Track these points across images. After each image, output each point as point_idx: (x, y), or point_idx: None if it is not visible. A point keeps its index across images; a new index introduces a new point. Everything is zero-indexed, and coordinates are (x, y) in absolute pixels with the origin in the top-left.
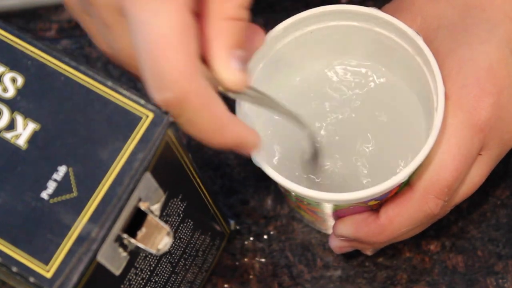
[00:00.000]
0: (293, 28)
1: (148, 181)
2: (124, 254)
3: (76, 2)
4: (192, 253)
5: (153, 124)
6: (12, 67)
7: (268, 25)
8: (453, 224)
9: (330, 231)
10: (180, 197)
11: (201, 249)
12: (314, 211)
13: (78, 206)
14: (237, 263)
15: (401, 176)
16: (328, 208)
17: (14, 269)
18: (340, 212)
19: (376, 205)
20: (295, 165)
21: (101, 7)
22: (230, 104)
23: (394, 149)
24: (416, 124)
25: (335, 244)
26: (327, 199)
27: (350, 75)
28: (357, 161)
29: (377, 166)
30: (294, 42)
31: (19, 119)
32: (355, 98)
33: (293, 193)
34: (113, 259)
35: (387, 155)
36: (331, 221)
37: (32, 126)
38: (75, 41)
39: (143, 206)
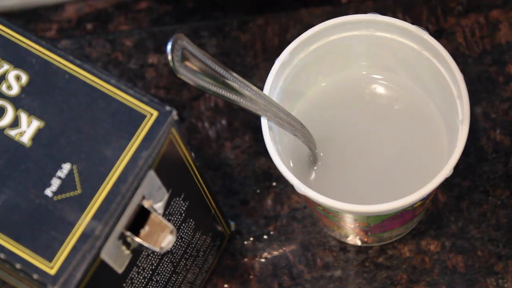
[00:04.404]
0: (298, 50)
1: (152, 179)
2: (127, 252)
3: None
4: (193, 253)
5: (157, 122)
6: (17, 64)
7: (268, 25)
8: (453, 224)
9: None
10: (182, 196)
11: (201, 250)
12: (358, 226)
13: (82, 203)
14: (237, 263)
15: (448, 167)
16: (373, 220)
17: (18, 266)
18: (386, 222)
19: (419, 206)
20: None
21: None
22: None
23: (413, 152)
24: (433, 120)
25: None
26: (381, 210)
27: (356, 85)
28: (381, 169)
29: (400, 172)
30: (299, 64)
31: (23, 117)
32: (364, 106)
33: (347, 215)
34: (116, 257)
35: (408, 160)
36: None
37: (36, 124)
38: (75, 41)
39: (146, 204)
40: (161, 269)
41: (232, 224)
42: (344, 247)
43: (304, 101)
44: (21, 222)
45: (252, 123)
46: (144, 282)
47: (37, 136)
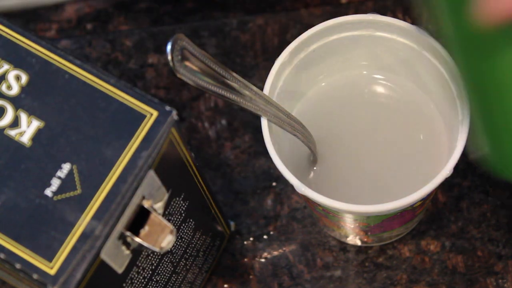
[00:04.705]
0: (298, 50)
1: (152, 179)
2: (127, 252)
3: None
4: (193, 253)
5: (157, 122)
6: (17, 64)
7: (268, 25)
8: (453, 224)
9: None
10: (182, 196)
11: (201, 250)
12: (357, 226)
13: (82, 203)
14: (237, 263)
15: (448, 167)
16: (373, 221)
17: (18, 266)
18: (386, 222)
19: (419, 206)
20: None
21: None
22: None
23: (412, 152)
24: (433, 120)
25: None
26: (381, 210)
27: (356, 85)
28: (381, 169)
29: (400, 171)
30: (299, 64)
31: (23, 117)
32: (364, 106)
33: (346, 215)
34: (116, 257)
35: (407, 160)
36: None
37: (36, 124)
38: (75, 41)
39: (146, 204)
40: (161, 269)
41: (232, 224)
42: (344, 247)
43: (304, 101)
44: (21, 222)
45: (252, 123)
46: (144, 282)
47: (37, 136)
